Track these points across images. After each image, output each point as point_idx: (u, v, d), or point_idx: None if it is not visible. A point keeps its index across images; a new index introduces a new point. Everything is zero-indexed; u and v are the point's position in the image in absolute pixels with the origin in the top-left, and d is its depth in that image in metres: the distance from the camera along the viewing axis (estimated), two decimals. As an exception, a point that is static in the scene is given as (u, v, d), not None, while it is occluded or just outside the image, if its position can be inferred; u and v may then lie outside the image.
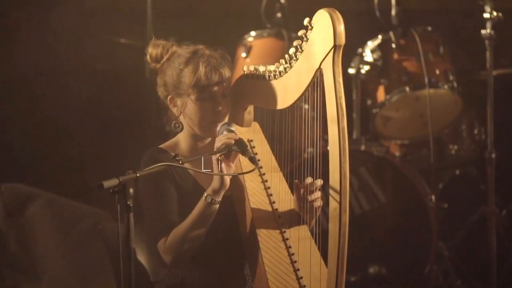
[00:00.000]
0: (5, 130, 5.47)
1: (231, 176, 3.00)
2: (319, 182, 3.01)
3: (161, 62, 3.17)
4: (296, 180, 3.05)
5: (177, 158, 2.86)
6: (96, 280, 4.44)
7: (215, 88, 3.08)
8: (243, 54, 5.29)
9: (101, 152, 5.42)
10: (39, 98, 5.49)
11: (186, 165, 3.06)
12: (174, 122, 3.17)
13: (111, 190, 2.64)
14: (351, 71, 5.29)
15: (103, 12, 5.64)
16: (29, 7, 5.47)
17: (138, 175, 2.71)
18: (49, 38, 5.52)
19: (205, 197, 2.99)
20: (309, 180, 3.02)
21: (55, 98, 5.55)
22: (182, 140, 3.20)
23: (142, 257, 3.99)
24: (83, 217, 4.56)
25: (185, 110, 3.12)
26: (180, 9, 5.86)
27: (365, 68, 5.27)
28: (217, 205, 3.00)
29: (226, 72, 3.10)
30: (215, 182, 2.99)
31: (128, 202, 2.66)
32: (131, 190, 2.66)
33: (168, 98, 3.16)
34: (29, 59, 5.40)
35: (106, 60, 5.61)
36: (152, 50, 3.18)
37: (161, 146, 3.19)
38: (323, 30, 2.73)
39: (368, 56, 5.30)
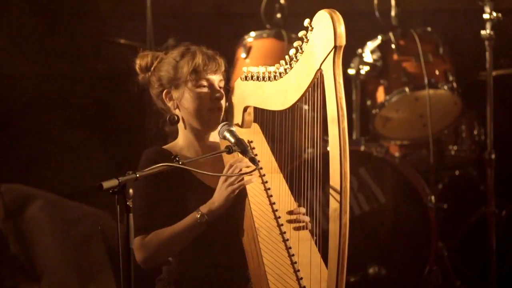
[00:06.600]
0: (5, 130, 5.47)
1: (231, 201, 3.01)
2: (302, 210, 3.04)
3: (152, 69, 3.20)
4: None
5: (176, 159, 2.87)
6: (96, 280, 4.45)
7: (213, 76, 3.13)
8: (243, 55, 5.29)
9: (100, 152, 5.42)
10: (39, 98, 5.49)
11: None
12: (169, 115, 3.18)
13: (110, 191, 2.64)
14: (351, 71, 5.29)
15: (103, 12, 5.64)
16: (29, 6, 5.47)
17: (137, 175, 2.71)
18: (50, 39, 5.53)
19: (199, 216, 3.00)
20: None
21: (55, 98, 5.56)
22: (181, 138, 3.21)
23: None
24: (83, 218, 4.57)
25: (182, 101, 3.14)
26: (180, 9, 5.86)
27: (365, 68, 5.27)
28: (206, 224, 3.02)
29: (222, 63, 3.16)
30: (216, 205, 3.00)
31: (127, 203, 2.66)
32: (130, 191, 2.66)
33: (164, 92, 3.18)
34: (29, 59, 5.40)
35: (106, 60, 5.61)
36: (141, 61, 3.22)
37: (164, 147, 3.20)
38: (323, 31, 2.73)
39: (368, 57, 5.30)
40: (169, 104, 3.18)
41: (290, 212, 3.06)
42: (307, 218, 3.04)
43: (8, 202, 4.50)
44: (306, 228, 3.03)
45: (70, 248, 4.51)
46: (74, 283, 4.46)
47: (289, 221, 3.04)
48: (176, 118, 3.17)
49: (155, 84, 3.19)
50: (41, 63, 5.45)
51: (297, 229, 3.03)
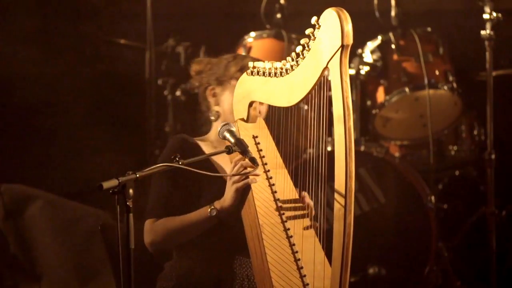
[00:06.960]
0: (6, 130, 5.46)
1: (239, 199, 3.02)
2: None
3: (206, 70, 3.33)
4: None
5: (177, 159, 2.87)
6: (96, 280, 4.44)
7: None
8: (243, 55, 5.29)
9: (100, 152, 5.41)
10: (38, 99, 5.49)
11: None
12: (211, 110, 3.28)
13: (110, 191, 2.64)
14: (351, 71, 5.28)
15: (103, 12, 5.64)
16: (30, 7, 5.46)
17: (137, 176, 2.70)
18: (49, 39, 5.52)
19: (210, 210, 3.04)
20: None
21: (55, 98, 5.55)
22: (213, 132, 3.28)
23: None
24: (83, 218, 4.56)
25: (223, 98, 3.25)
26: (180, 9, 5.87)
27: (365, 68, 5.27)
28: (216, 220, 3.05)
29: None
30: (226, 203, 3.03)
31: (127, 203, 2.65)
32: (130, 191, 2.66)
33: (209, 89, 3.28)
34: (29, 60, 5.39)
35: (106, 60, 5.61)
36: (196, 66, 3.36)
37: (195, 138, 3.27)
38: (330, 30, 2.72)
39: (368, 57, 5.31)
40: (211, 100, 3.28)
41: (295, 201, 3.06)
42: (311, 202, 3.05)
43: (8, 202, 4.49)
44: (311, 214, 3.03)
45: (70, 248, 4.50)
46: (74, 283, 4.45)
47: (292, 209, 3.05)
48: (217, 115, 3.26)
49: (203, 80, 3.30)
50: (40, 63, 5.44)
51: (301, 217, 3.03)
